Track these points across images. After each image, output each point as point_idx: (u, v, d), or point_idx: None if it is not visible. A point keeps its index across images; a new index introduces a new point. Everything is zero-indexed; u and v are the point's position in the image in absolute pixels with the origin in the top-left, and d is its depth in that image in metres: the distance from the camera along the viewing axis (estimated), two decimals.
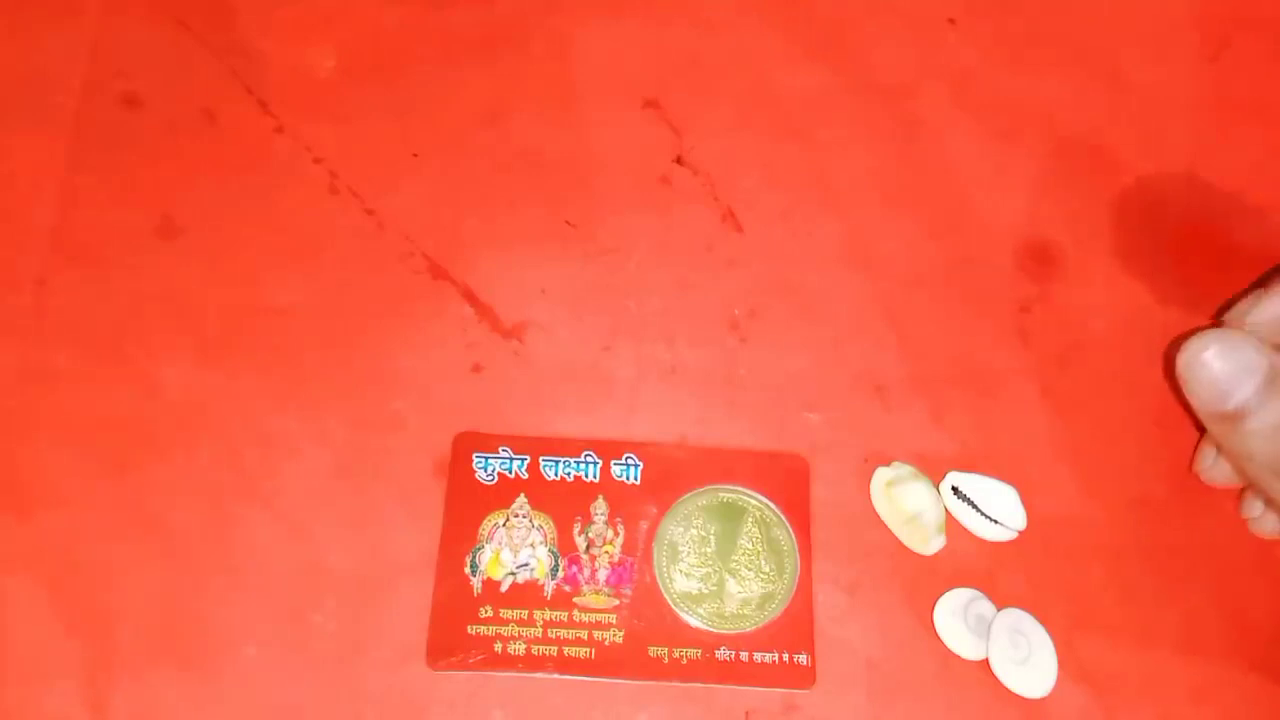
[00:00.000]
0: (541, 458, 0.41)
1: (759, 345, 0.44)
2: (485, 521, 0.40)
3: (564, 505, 0.41)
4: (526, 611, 0.39)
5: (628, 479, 0.41)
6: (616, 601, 0.40)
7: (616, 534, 0.40)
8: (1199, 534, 0.42)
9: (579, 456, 0.41)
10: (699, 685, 0.39)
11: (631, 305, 0.44)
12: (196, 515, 0.40)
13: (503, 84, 0.48)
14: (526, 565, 0.40)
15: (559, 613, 0.39)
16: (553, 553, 0.40)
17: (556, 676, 0.39)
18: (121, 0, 0.48)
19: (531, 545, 0.40)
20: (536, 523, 0.40)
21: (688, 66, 0.48)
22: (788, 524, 0.41)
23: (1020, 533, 0.41)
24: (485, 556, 0.40)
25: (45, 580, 0.39)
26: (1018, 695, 0.39)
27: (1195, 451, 0.42)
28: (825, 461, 0.42)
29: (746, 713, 0.39)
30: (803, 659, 0.39)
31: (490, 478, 0.41)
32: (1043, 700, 0.39)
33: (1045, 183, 0.47)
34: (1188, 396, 0.37)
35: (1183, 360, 0.37)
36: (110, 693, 0.38)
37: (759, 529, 0.41)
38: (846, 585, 0.40)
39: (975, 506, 0.41)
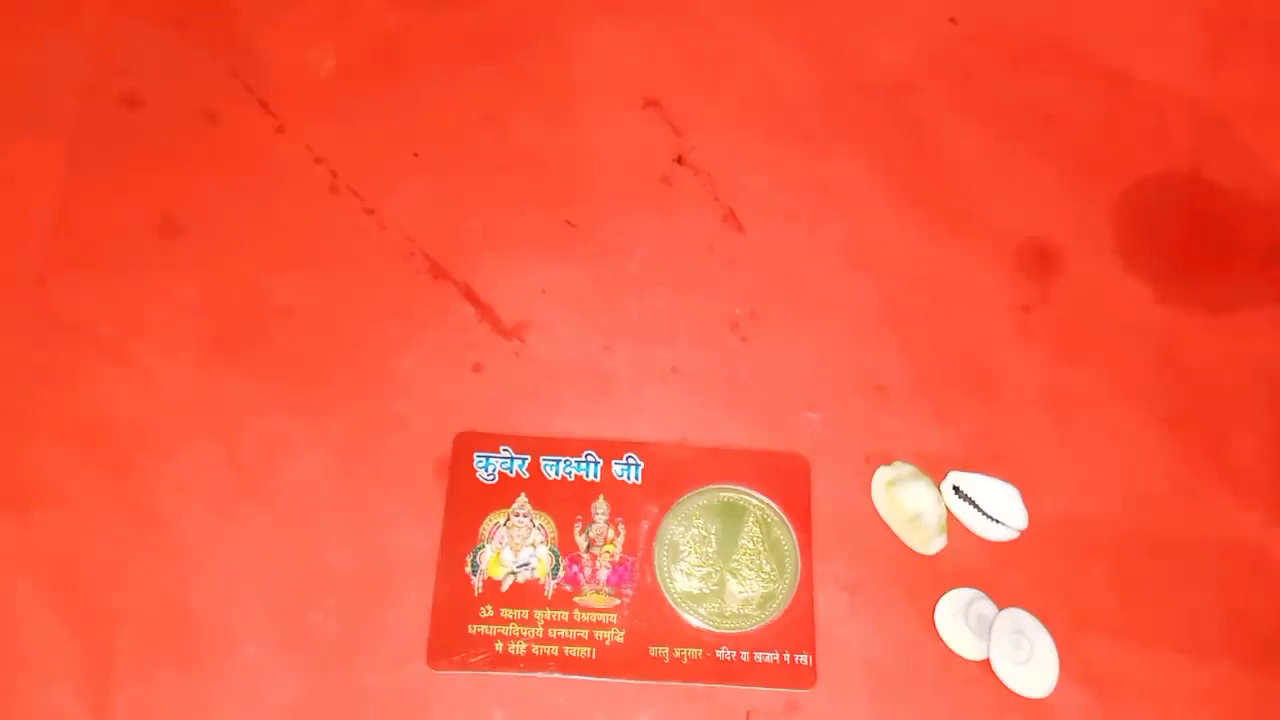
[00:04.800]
0: (542, 457, 0.41)
1: (760, 345, 0.44)
2: (486, 521, 0.40)
3: (565, 505, 0.41)
4: (527, 611, 0.39)
5: (629, 478, 0.41)
6: (617, 601, 0.40)
7: (617, 533, 0.40)
8: (1200, 534, 0.42)
9: (580, 456, 0.41)
10: (700, 685, 0.39)
11: (632, 305, 0.44)
12: (197, 515, 0.40)
13: (503, 84, 0.48)
14: (527, 565, 0.40)
15: (560, 612, 0.39)
16: (554, 552, 0.40)
17: (557, 676, 0.39)
18: (121, 0, 0.48)
19: (532, 545, 0.40)
20: (537, 522, 0.40)
21: (688, 66, 0.48)
22: (789, 524, 0.41)
23: (1022, 532, 0.41)
24: (486, 556, 0.40)
25: (45, 580, 0.39)
26: (1019, 695, 0.39)
27: None
28: (826, 461, 0.42)
29: (747, 713, 0.39)
30: (804, 659, 0.39)
31: (491, 477, 0.41)
32: (1044, 700, 0.39)
33: (1045, 183, 0.47)
34: None
35: None
36: (110, 693, 0.38)
37: (760, 529, 0.41)
38: (848, 585, 0.40)
39: (977, 506, 0.41)
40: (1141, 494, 0.42)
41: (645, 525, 0.41)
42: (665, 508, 0.41)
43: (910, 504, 0.41)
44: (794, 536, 0.41)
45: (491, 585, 0.40)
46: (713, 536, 0.41)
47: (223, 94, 0.47)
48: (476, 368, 0.43)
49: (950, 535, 0.41)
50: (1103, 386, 0.44)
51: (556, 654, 0.39)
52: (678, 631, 0.39)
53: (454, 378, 0.43)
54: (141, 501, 0.40)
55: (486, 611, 0.39)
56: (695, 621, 0.39)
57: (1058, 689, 0.39)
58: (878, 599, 0.40)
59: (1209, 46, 0.50)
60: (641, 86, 0.48)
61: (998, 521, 0.41)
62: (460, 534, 0.40)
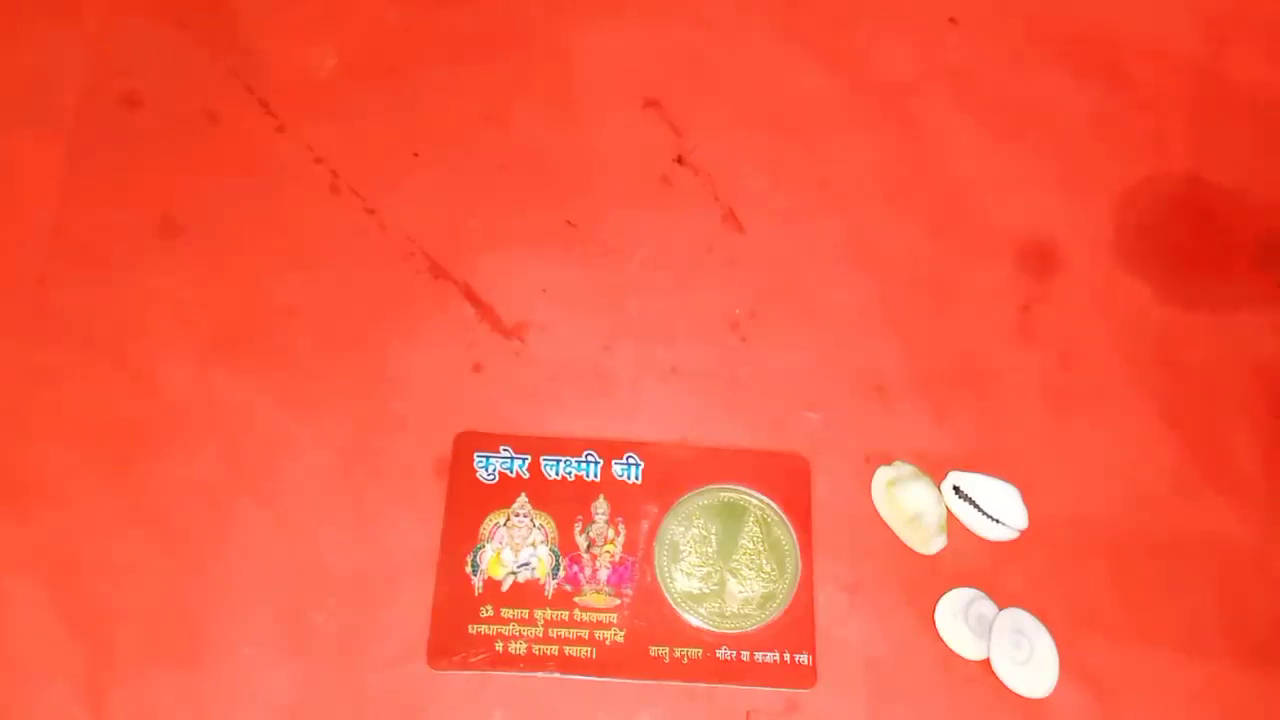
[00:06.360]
0: (542, 457, 0.41)
1: (759, 345, 0.44)
2: (486, 521, 0.40)
3: (565, 504, 0.41)
4: (527, 611, 0.39)
5: (629, 478, 0.41)
6: (618, 601, 0.40)
7: (617, 533, 0.40)
8: (1200, 534, 0.42)
9: (580, 456, 0.41)
10: (700, 685, 0.39)
11: (632, 305, 0.44)
12: (196, 515, 0.40)
13: (503, 84, 0.48)
14: (528, 565, 0.40)
15: (560, 612, 0.39)
16: (554, 552, 0.40)
17: (558, 676, 0.39)
18: (121, 0, 0.48)
19: (533, 544, 0.40)
20: (538, 522, 0.40)
21: (688, 66, 0.48)
22: (789, 523, 0.41)
23: (1022, 532, 0.41)
24: (486, 556, 0.40)
25: (45, 580, 0.39)
26: (1019, 695, 0.39)
27: None
28: (826, 461, 0.42)
29: (748, 713, 0.39)
30: (804, 659, 0.39)
31: (491, 477, 0.41)
32: (1044, 700, 0.39)
33: (1045, 183, 0.47)
34: None
35: None
36: (110, 692, 0.38)
37: (760, 528, 0.41)
38: (848, 585, 0.40)
39: (977, 506, 0.41)
40: (1141, 494, 0.42)
41: (645, 525, 0.41)
42: (665, 508, 0.41)
43: (910, 504, 0.41)
44: (794, 536, 0.41)
45: (492, 585, 0.40)
46: (713, 536, 0.41)
47: (223, 94, 0.47)
48: (476, 368, 0.43)
49: (950, 535, 0.41)
50: (1102, 386, 0.44)
51: (556, 654, 0.39)
52: (678, 631, 0.39)
53: (454, 378, 0.43)
54: (141, 501, 0.40)
55: (486, 611, 0.39)
56: (695, 621, 0.39)
57: (1058, 689, 0.39)
58: (878, 599, 0.40)
59: (1209, 46, 0.50)
60: (641, 86, 0.48)
61: (998, 521, 0.41)
62: (460, 534, 0.40)
